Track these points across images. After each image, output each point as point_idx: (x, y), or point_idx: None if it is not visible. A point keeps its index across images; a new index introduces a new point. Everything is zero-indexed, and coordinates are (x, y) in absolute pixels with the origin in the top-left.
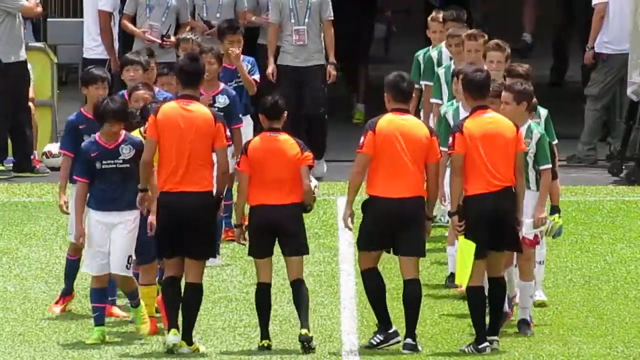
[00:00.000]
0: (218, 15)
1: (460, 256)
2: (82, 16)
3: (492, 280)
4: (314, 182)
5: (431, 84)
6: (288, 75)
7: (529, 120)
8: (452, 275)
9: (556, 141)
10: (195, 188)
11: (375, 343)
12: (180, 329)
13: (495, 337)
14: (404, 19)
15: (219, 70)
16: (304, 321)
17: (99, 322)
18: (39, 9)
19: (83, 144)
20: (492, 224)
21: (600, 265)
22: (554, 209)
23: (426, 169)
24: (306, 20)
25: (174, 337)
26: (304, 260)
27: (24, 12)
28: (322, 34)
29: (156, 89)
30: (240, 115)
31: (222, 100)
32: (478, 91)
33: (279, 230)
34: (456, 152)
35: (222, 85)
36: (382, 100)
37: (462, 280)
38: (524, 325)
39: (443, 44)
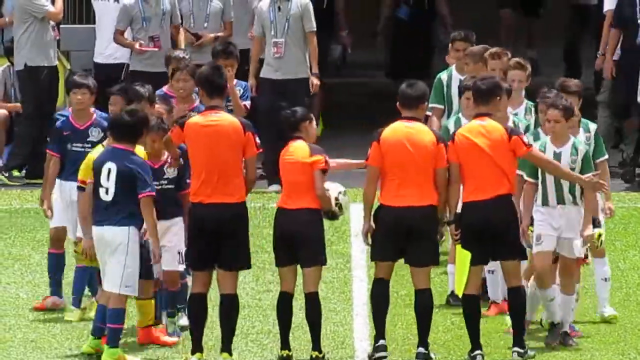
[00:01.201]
0: (205, 25)
1: (458, 264)
2: (94, 22)
3: (508, 290)
4: (339, 189)
5: (440, 107)
6: (268, 88)
7: (571, 136)
8: (452, 293)
9: (606, 156)
10: (227, 199)
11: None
12: (204, 343)
13: (518, 349)
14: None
15: (194, 87)
16: (314, 342)
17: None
18: (61, 15)
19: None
20: (487, 232)
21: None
22: (594, 221)
23: (435, 175)
24: (285, 32)
25: None
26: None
27: (49, 17)
28: (306, 46)
29: None
30: None
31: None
32: (480, 97)
33: (295, 236)
34: (450, 160)
35: (197, 102)
36: (338, 118)
37: (459, 288)
38: (566, 337)
39: (453, 66)
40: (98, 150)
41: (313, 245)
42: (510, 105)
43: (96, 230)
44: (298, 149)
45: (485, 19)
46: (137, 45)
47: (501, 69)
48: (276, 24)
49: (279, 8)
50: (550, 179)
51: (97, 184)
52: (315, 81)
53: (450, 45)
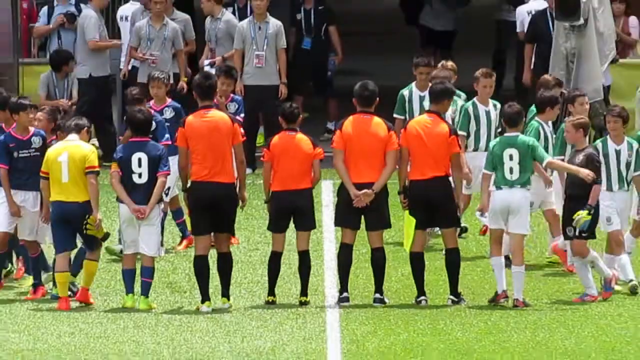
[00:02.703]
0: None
1: (406, 227)
2: (120, 37)
3: (446, 250)
4: None
5: (402, 117)
6: (249, 93)
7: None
8: (496, 294)
9: None
10: (221, 179)
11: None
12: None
13: (453, 297)
14: None
15: (166, 91)
16: (303, 289)
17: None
18: (98, 48)
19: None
20: (427, 205)
21: None
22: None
23: (385, 156)
24: (264, 47)
25: (207, 308)
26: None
27: (90, 47)
28: (277, 59)
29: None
30: None
31: (169, 112)
32: (434, 98)
33: (296, 210)
34: (401, 145)
35: (169, 101)
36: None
37: (407, 246)
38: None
39: (413, 84)
40: (58, 150)
41: (311, 215)
42: (483, 103)
43: (132, 204)
44: (304, 142)
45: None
46: (139, 54)
47: (491, 86)
48: (257, 40)
49: (259, 27)
50: (614, 168)
51: (128, 171)
52: (284, 90)
53: (414, 69)
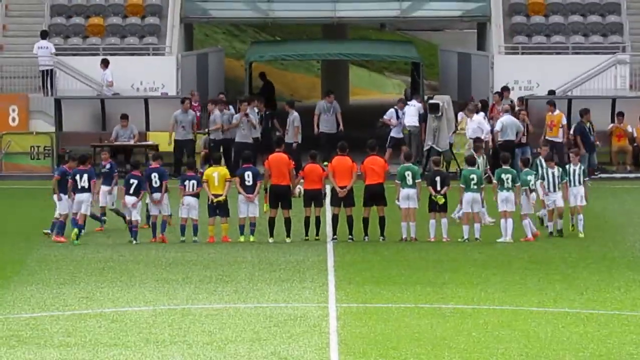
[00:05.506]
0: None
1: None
2: None
3: (380, 217)
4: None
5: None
6: (322, 137)
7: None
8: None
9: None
10: (284, 182)
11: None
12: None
13: (381, 237)
14: None
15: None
16: (317, 232)
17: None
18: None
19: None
20: (372, 195)
21: None
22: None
23: (351, 174)
24: (330, 113)
25: (272, 240)
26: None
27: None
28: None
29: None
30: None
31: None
32: (370, 149)
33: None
34: (361, 170)
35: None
36: None
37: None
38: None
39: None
40: (212, 170)
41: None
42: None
43: (246, 194)
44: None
45: None
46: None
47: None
48: (326, 109)
49: (327, 106)
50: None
51: (243, 180)
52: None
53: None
